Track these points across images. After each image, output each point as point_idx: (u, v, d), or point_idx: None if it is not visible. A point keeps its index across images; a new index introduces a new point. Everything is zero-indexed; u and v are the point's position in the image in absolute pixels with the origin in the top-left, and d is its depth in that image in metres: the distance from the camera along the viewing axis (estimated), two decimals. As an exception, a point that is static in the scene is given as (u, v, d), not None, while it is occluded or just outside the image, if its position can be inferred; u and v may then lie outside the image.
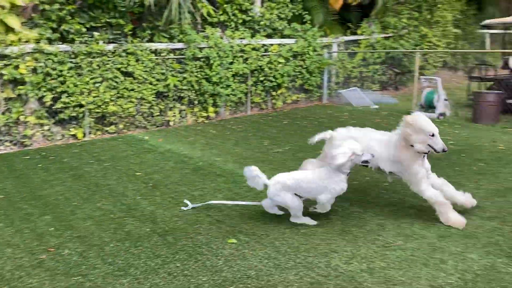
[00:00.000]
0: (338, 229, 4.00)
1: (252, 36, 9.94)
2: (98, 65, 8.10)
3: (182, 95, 9.14)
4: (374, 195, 4.84)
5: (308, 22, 10.95)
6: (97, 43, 8.08)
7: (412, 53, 12.53)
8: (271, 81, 10.18)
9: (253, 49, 9.84)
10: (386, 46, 12.54)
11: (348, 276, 3.22)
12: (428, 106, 9.54)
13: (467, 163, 5.94)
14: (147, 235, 4.02)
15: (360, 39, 12.31)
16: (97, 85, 8.11)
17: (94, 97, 8.07)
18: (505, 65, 10.09)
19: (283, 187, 4.09)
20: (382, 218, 4.21)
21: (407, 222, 4.12)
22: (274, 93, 10.48)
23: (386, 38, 12.78)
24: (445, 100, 9.28)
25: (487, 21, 10.78)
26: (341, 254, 3.55)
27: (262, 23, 10.21)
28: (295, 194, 4.13)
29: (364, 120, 8.97)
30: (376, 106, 10.66)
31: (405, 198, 4.68)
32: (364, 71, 12.19)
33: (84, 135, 8.18)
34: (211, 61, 9.19)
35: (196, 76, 9.17)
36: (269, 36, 10.48)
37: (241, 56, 9.69)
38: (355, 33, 12.49)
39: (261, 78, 10.03)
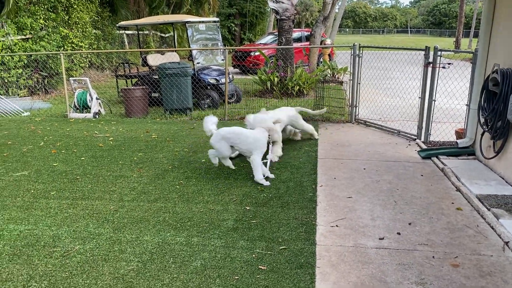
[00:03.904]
0: (7, 255, 3.58)
1: None
2: None
3: None
4: (39, 208, 4.55)
5: None
6: None
7: (56, 55, 12.18)
8: None
9: None
10: (27, 48, 11.71)
11: (29, 301, 2.96)
12: (83, 107, 9.59)
13: (128, 155, 6.38)
14: None
15: (-7, 41, 10.99)
16: None
17: None
18: (145, 63, 11.23)
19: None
20: (55, 229, 4.03)
21: (81, 225, 4.10)
22: None
23: (25, 40, 11.92)
24: (97, 99, 9.56)
25: (122, 23, 11.63)
26: (16, 280, 3.21)
27: None
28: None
29: (17, 130, 8.19)
30: (28, 113, 9.88)
31: (65, 202, 4.64)
32: (6, 76, 11.02)
33: None
34: None
35: None
36: None
37: None
38: (-15, 35, 11.06)
39: None
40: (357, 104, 8.31)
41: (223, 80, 9.84)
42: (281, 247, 3.61)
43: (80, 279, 3.21)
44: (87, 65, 15.22)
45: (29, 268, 3.38)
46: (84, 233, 3.95)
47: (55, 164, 6.00)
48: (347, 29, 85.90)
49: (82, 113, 9.52)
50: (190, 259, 3.47)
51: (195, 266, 3.36)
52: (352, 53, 8.10)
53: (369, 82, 9.57)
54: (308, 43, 16.47)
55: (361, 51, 8.04)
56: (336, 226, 4.02)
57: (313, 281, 3.14)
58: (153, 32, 21.90)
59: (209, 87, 9.88)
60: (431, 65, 6.52)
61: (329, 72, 13.43)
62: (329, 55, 16.51)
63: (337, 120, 8.50)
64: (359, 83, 8.17)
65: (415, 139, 6.99)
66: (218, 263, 3.39)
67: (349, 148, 6.57)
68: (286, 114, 6.66)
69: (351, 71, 8.25)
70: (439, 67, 6.48)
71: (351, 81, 8.24)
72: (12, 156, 6.42)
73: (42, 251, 3.64)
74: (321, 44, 14.78)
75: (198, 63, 10.14)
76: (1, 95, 10.49)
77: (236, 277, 3.20)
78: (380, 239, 3.77)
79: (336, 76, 13.37)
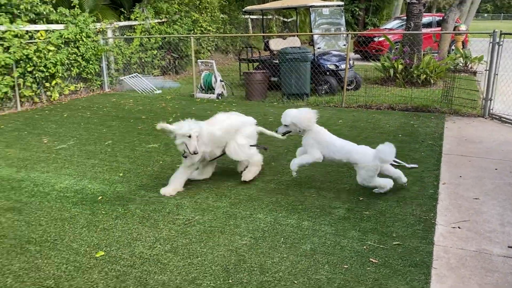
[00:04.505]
0: (138, 217, 4.00)
1: (11, 21, 8.71)
2: None
3: None
4: (165, 178, 4.97)
5: (77, 6, 10.22)
6: None
7: (187, 38, 13.06)
8: (42, 71, 9.17)
9: (15, 36, 8.65)
10: (162, 31, 12.74)
11: (154, 260, 3.28)
12: (208, 88, 10.18)
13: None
14: None
15: (134, 25, 12.16)
16: None
17: None
18: (266, 47, 11.47)
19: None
20: (179, 198, 4.38)
21: (201, 197, 4.40)
22: (48, 85, 9.51)
23: (161, 23, 12.96)
24: (221, 81, 10.06)
25: (248, 8, 12.02)
26: (144, 240, 3.58)
27: (22, 6, 9.03)
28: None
29: (150, 105, 9.02)
30: (160, 91, 10.81)
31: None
32: (143, 56, 12.16)
33: None
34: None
35: None
36: (32, 21, 9.36)
37: (1, 45, 8.42)
38: (128, 19, 12.27)
39: (30, 69, 8.92)
40: (493, 98, 7.51)
41: (343, 66, 9.63)
42: (394, 243, 3.47)
43: (198, 247, 3.46)
44: (213, 48, 16.07)
45: (155, 231, 3.74)
46: (203, 205, 4.24)
47: (181, 139, 6.49)
48: (485, 14, 77.74)
49: (207, 93, 10.10)
50: (300, 241, 3.51)
51: (305, 249, 3.40)
52: (491, 40, 7.31)
53: (508, 74, 8.58)
54: (439, 28, 15.29)
55: (502, 39, 7.22)
56: (458, 227, 3.73)
57: (427, 282, 2.97)
58: (276, 16, 22.22)
59: (328, 73, 9.76)
60: None
61: (462, 61, 12.32)
62: (462, 42, 15.13)
63: (468, 114, 7.80)
64: (497, 74, 7.37)
65: (562, 140, 6.12)
66: (327, 250, 3.38)
67: (480, 145, 6.00)
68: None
69: (488, 61, 7.47)
70: None
71: (487, 72, 7.47)
72: (145, 130, 7.10)
73: (166, 217, 3.99)
74: (454, 30, 13.61)
75: (318, 48, 10.05)
76: (138, 73, 11.62)
77: (346, 266, 3.16)
78: (509, 247, 3.40)
79: (469, 65, 12.22)
